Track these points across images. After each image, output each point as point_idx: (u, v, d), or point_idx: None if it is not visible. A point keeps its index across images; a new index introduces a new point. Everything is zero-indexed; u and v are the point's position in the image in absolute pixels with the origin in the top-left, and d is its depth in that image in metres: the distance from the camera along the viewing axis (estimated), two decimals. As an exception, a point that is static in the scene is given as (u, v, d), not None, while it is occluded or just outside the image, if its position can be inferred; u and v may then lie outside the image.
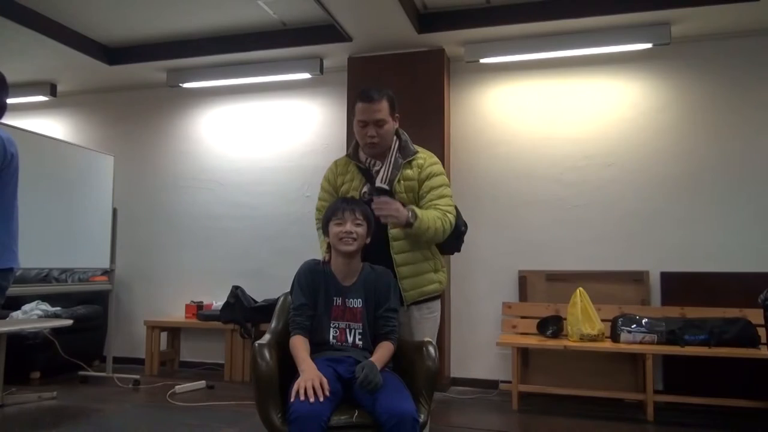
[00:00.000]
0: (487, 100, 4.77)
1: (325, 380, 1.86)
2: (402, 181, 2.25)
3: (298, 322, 2.08)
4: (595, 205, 4.46)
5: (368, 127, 2.23)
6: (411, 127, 4.47)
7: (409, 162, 2.28)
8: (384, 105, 2.24)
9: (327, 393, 1.84)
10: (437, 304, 2.34)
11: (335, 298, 2.12)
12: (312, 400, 1.79)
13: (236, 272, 5.15)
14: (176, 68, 5.19)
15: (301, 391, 1.81)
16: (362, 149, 2.32)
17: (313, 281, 2.14)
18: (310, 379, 1.85)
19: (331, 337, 2.09)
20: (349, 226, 2.08)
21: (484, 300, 4.55)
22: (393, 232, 2.21)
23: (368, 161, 2.31)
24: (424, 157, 2.32)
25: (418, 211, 2.14)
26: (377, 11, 3.99)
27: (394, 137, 2.32)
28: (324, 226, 2.19)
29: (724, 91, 4.29)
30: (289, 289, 2.23)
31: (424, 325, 2.30)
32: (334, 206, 2.16)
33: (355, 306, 2.12)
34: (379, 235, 2.20)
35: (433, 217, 2.17)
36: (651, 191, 4.36)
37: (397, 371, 2.09)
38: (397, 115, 2.32)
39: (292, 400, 1.82)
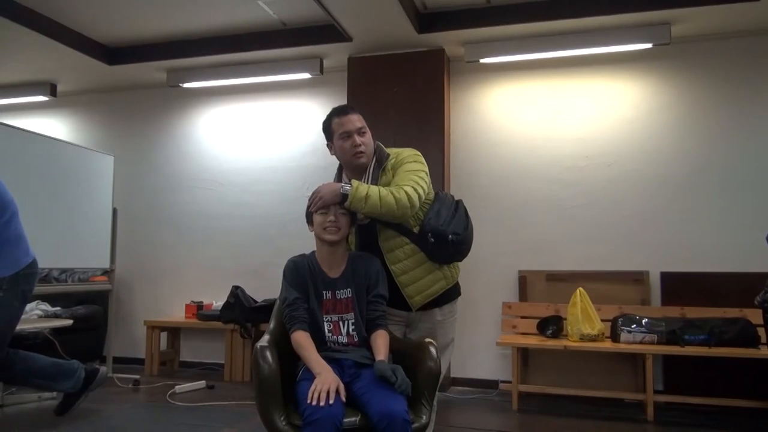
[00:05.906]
0: (487, 100, 4.77)
1: (342, 385, 1.88)
2: None
3: (296, 316, 2.06)
4: (595, 205, 4.46)
5: (353, 137, 2.20)
6: (411, 127, 4.58)
7: (384, 168, 2.24)
8: (360, 116, 2.25)
9: (343, 398, 1.85)
10: (456, 305, 2.34)
11: (324, 292, 2.13)
12: (323, 403, 1.79)
13: (236, 272, 5.15)
14: (176, 68, 5.19)
15: (316, 395, 1.81)
16: (349, 164, 2.27)
17: (301, 277, 2.14)
18: (328, 383, 1.85)
19: (326, 331, 2.10)
20: (333, 216, 2.10)
21: (484, 300, 4.54)
22: (385, 244, 2.20)
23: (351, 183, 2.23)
24: (395, 155, 2.28)
25: (355, 182, 2.10)
26: (377, 11, 4.00)
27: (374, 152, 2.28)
28: (308, 216, 2.19)
29: (723, 91, 4.29)
30: None
31: (447, 328, 2.30)
32: None
33: (345, 297, 2.13)
34: (373, 249, 2.21)
35: (376, 188, 2.09)
36: (651, 191, 4.36)
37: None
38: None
39: (308, 402, 1.81)
